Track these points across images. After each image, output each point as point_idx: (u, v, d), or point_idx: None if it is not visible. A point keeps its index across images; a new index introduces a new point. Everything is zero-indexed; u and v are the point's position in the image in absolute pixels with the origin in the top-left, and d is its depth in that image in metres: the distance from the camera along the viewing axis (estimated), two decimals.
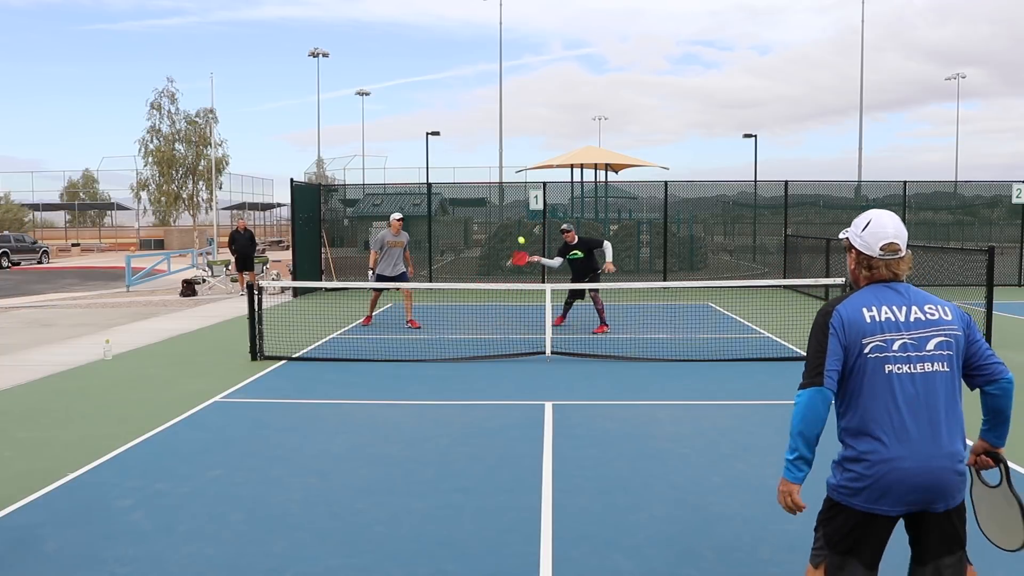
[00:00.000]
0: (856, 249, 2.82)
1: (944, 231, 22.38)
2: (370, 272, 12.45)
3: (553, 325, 11.78)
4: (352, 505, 4.94)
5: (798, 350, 10.18)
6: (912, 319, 2.69)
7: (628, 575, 3.98)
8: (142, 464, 5.76)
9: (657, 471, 5.56)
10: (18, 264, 34.95)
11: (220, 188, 52.64)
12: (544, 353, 9.86)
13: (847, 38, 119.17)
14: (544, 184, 19.91)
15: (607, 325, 12.01)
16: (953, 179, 33.37)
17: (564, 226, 12.28)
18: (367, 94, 60.21)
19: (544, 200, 19.60)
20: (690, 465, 5.69)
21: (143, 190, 55.54)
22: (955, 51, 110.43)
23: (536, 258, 12.72)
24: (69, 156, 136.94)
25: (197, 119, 54.68)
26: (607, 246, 12.02)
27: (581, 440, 6.30)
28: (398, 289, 12.56)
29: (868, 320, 2.68)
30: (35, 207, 59.10)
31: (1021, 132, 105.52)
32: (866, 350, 2.66)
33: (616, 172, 29.49)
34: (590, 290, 12.05)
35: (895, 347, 2.65)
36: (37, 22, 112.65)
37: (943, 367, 2.66)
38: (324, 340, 11.30)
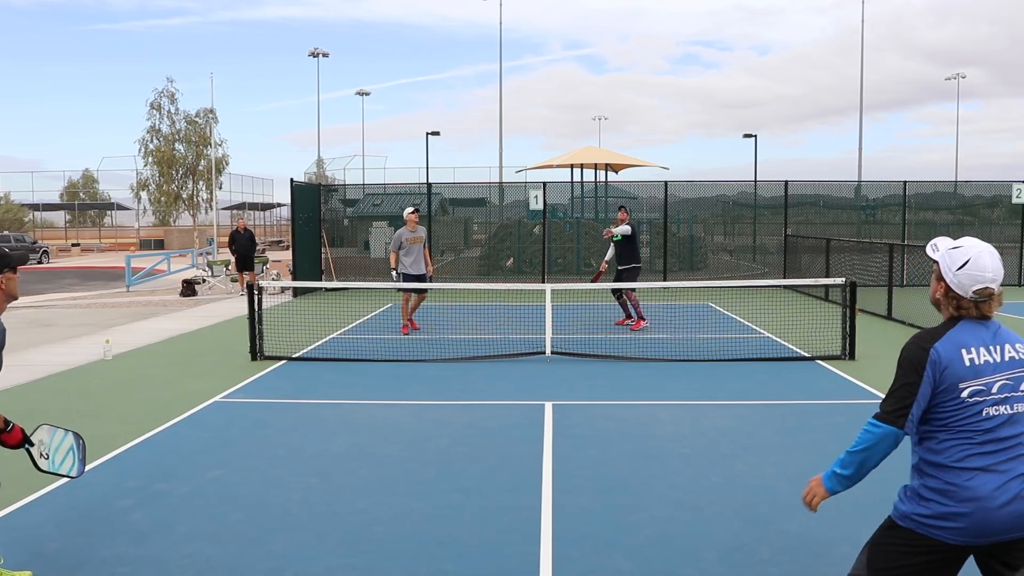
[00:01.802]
0: (946, 283, 2.68)
1: (944, 231, 22.30)
2: (392, 272, 12.04)
3: (632, 330, 11.87)
4: (352, 505, 4.94)
5: (798, 350, 10.18)
6: (1007, 358, 2.64)
7: (628, 575, 3.99)
8: (142, 464, 5.76)
9: (657, 471, 5.56)
10: None
11: (220, 188, 52.69)
12: (544, 353, 9.86)
13: (846, 38, 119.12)
14: (544, 184, 19.91)
15: (643, 319, 12.06)
16: (953, 179, 33.36)
17: (622, 203, 12.35)
18: (367, 94, 60.24)
19: (544, 200, 19.61)
20: (690, 465, 5.69)
21: (143, 190, 55.56)
22: (954, 51, 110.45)
23: (604, 266, 12.61)
24: (69, 156, 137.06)
25: (197, 119, 54.73)
26: (636, 244, 12.12)
27: (581, 440, 6.30)
28: (417, 291, 12.12)
29: (967, 363, 2.60)
30: (35, 207, 59.11)
31: (1021, 132, 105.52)
32: (964, 394, 2.58)
33: (616, 172, 29.49)
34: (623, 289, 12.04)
35: (994, 389, 2.59)
36: (39, 22, 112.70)
37: None
38: (324, 340, 11.30)
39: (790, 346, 10.54)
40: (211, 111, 54.25)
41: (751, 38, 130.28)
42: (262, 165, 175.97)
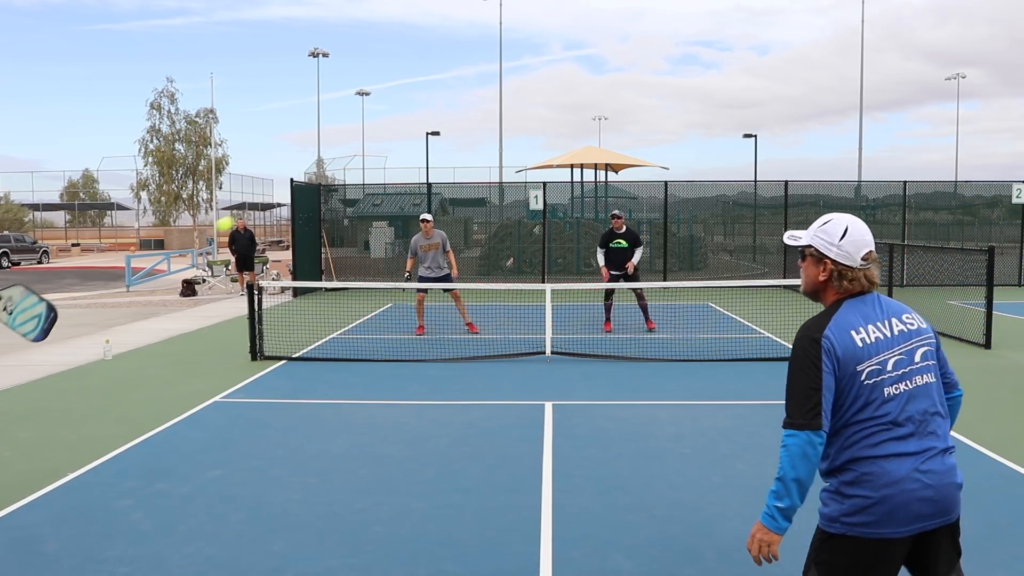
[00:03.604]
0: (830, 259, 2.56)
1: (944, 231, 22.37)
2: (406, 275, 11.83)
3: (604, 332, 11.81)
4: (352, 505, 4.94)
5: None
6: (896, 332, 2.54)
7: (628, 575, 3.98)
8: (142, 464, 5.76)
9: (657, 471, 5.56)
10: (18, 264, 34.96)
11: (220, 188, 52.67)
12: (544, 353, 9.86)
13: (846, 39, 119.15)
14: (544, 184, 19.91)
15: (654, 322, 11.98)
16: (953, 179, 33.36)
17: (616, 211, 12.07)
18: (367, 94, 60.24)
19: (544, 200, 19.60)
20: (690, 465, 5.69)
21: (143, 190, 55.52)
22: (954, 52, 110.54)
23: (605, 271, 12.08)
24: (69, 156, 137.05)
25: (197, 119, 54.71)
26: (639, 251, 11.89)
27: (581, 440, 6.30)
28: (445, 291, 11.93)
29: (860, 344, 2.48)
30: (35, 207, 59.11)
31: (1020, 132, 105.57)
32: (862, 377, 2.46)
33: (616, 172, 29.49)
34: (633, 290, 11.92)
35: (889, 366, 2.48)
36: (41, 22, 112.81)
37: (931, 377, 2.54)
38: (324, 340, 11.30)
39: (790, 346, 10.51)
40: (211, 111, 54.27)
41: (751, 38, 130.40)
42: (262, 165, 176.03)
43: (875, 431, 2.46)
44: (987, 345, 10.37)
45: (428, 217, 11.82)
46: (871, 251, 2.56)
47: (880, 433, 2.45)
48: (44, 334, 4.02)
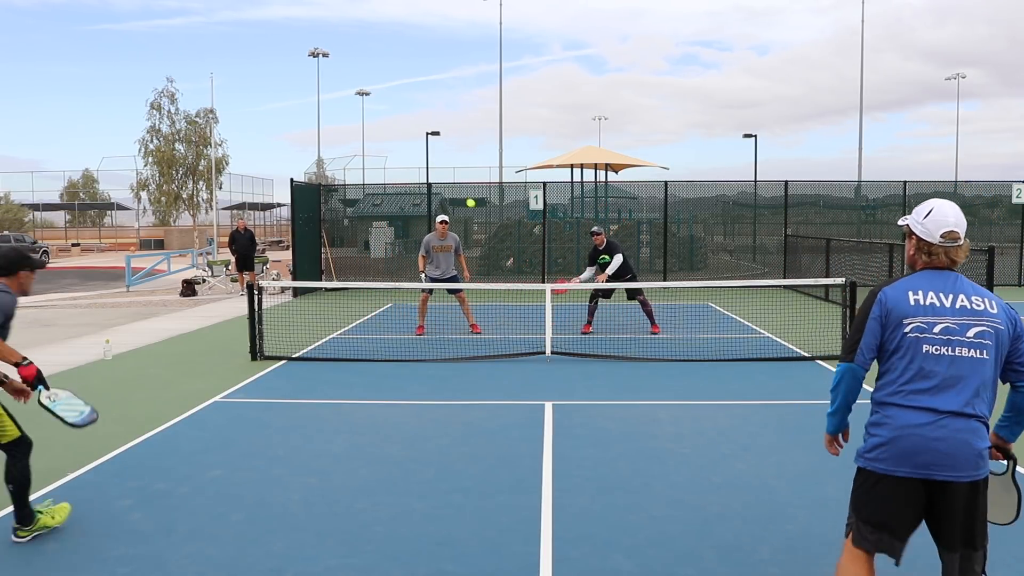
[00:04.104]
0: (916, 235, 2.96)
1: None
2: (422, 275, 11.73)
3: (581, 333, 11.76)
4: (352, 505, 4.94)
5: (798, 350, 10.18)
6: (958, 306, 2.84)
7: (628, 575, 3.99)
8: (142, 464, 5.76)
9: (657, 471, 5.56)
10: None
11: (220, 188, 52.71)
12: (544, 353, 9.86)
13: (846, 39, 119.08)
14: (544, 184, 19.90)
15: (658, 326, 11.84)
16: (953, 179, 33.35)
17: (595, 228, 11.84)
18: (367, 94, 60.23)
19: (544, 200, 19.61)
20: (690, 465, 5.69)
21: (143, 190, 55.58)
22: (954, 52, 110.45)
23: (575, 282, 11.98)
24: (69, 156, 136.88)
25: (197, 119, 54.73)
26: (617, 259, 11.56)
27: (581, 440, 6.30)
28: (451, 292, 11.91)
29: (912, 303, 2.86)
30: (35, 207, 59.11)
31: (1020, 132, 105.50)
32: (907, 329, 2.84)
33: (616, 172, 29.49)
34: (636, 294, 11.76)
35: (936, 330, 2.81)
36: (43, 22, 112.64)
37: (981, 354, 2.81)
38: (324, 340, 11.30)
39: (790, 346, 10.53)
40: (211, 111, 54.30)
41: (751, 38, 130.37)
42: (262, 165, 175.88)
43: (907, 381, 2.83)
44: None
45: (445, 218, 11.74)
46: (952, 231, 2.90)
47: (911, 383, 2.82)
48: (83, 425, 4.46)
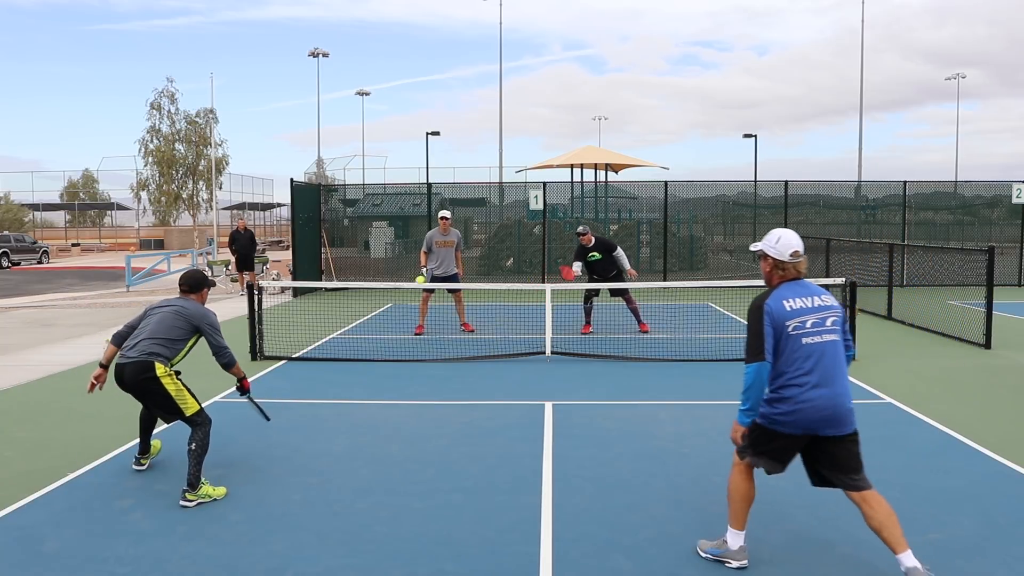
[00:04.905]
0: (771, 257, 3.99)
1: (944, 231, 22.33)
2: (424, 269, 11.73)
3: (581, 333, 11.73)
4: (352, 505, 4.94)
5: None
6: (815, 305, 3.89)
7: (628, 575, 3.98)
8: None
9: (657, 471, 5.56)
10: (18, 264, 34.96)
11: (220, 188, 52.72)
12: (544, 353, 9.86)
13: (845, 39, 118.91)
14: (544, 184, 19.91)
15: (646, 324, 11.82)
16: (953, 179, 33.36)
17: (580, 228, 11.79)
18: (367, 94, 60.23)
19: (544, 200, 19.61)
20: (690, 465, 5.69)
21: (143, 190, 55.59)
22: (953, 52, 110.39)
23: (577, 269, 11.78)
24: (69, 156, 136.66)
25: (197, 119, 54.74)
26: (620, 253, 11.66)
27: (581, 440, 6.30)
28: (449, 291, 11.97)
29: (788, 309, 3.85)
30: (35, 207, 59.11)
31: (1020, 132, 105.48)
32: (789, 329, 3.83)
33: (616, 172, 29.50)
34: (621, 293, 11.70)
35: (808, 325, 3.84)
36: (44, 22, 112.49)
37: (836, 336, 3.88)
38: (324, 340, 11.29)
39: None
40: (211, 111, 54.31)
41: (750, 39, 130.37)
42: (262, 165, 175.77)
43: (796, 366, 3.80)
44: (987, 345, 10.38)
45: (447, 214, 11.77)
46: (797, 251, 3.96)
47: (798, 367, 3.79)
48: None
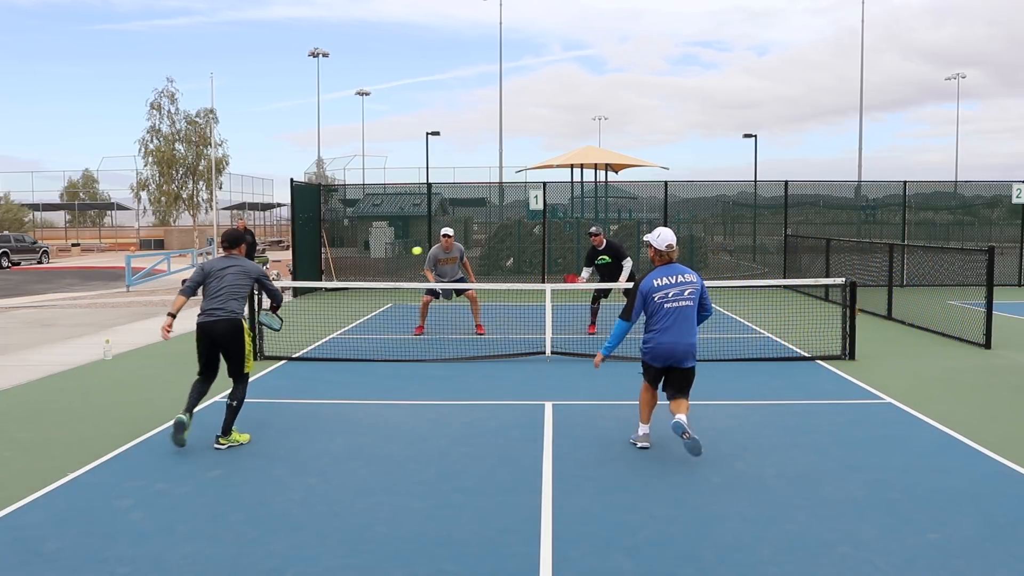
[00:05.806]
0: (654, 247, 5.85)
1: (944, 231, 22.33)
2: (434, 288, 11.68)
3: (588, 334, 11.70)
4: (352, 505, 4.94)
5: (798, 350, 10.19)
6: (677, 281, 5.79)
7: (628, 575, 3.99)
8: (142, 464, 5.76)
9: (657, 471, 5.56)
10: (18, 264, 34.95)
11: (220, 188, 52.68)
12: (544, 353, 9.86)
13: (845, 39, 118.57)
14: (544, 184, 19.91)
15: (593, 325, 11.82)
16: (953, 179, 33.36)
17: (593, 228, 11.65)
18: (367, 94, 60.21)
19: (544, 200, 19.61)
20: (690, 465, 5.69)
21: (143, 190, 55.59)
22: (953, 52, 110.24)
23: (580, 281, 11.74)
24: (69, 156, 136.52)
25: (197, 119, 54.74)
26: (628, 264, 11.49)
27: (581, 440, 6.30)
28: (458, 293, 11.93)
29: (656, 285, 5.78)
30: (35, 207, 59.08)
31: (1019, 132, 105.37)
32: (655, 298, 5.76)
33: (616, 172, 29.48)
34: (627, 293, 11.69)
35: (670, 295, 5.74)
36: (44, 22, 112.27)
37: (690, 303, 5.77)
38: (324, 340, 11.29)
39: (790, 346, 10.53)
40: (211, 111, 54.31)
41: (750, 39, 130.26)
42: (262, 165, 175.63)
43: (658, 323, 5.75)
44: (987, 345, 10.38)
45: (449, 232, 11.67)
46: (671, 244, 5.85)
47: (660, 324, 5.75)
48: (278, 329, 7.45)
